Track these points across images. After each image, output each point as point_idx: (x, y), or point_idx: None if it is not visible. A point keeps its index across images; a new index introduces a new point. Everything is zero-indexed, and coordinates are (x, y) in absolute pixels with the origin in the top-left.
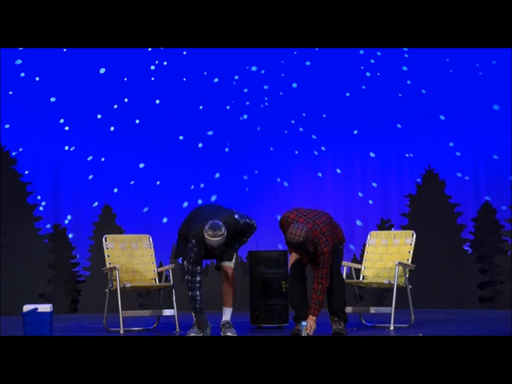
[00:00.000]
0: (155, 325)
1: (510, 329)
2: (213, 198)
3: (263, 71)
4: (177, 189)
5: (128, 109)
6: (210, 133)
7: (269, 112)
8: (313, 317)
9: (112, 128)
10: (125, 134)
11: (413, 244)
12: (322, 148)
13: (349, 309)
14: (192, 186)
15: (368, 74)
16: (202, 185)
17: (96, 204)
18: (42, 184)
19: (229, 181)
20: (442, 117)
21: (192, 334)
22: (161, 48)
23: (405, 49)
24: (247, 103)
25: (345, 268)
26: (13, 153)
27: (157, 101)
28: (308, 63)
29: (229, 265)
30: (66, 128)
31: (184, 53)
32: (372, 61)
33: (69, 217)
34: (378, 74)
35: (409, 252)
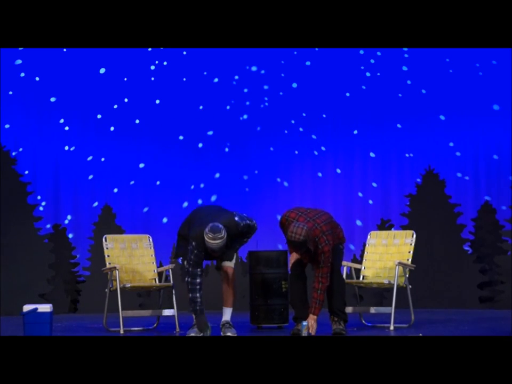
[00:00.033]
0: (155, 325)
1: (510, 329)
2: (213, 198)
3: (263, 71)
4: (177, 189)
5: (128, 109)
6: (210, 133)
7: (269, 112)
8: (314, 316)
9: (112, 128)
10: (125, 134)
11: (413, 244)
12: (322, 148)
13: (349, 309)
14: (192, 186)
15: (368, 74)
16: (202, 185)
17: (96, 204)
18: (42, 184)
19: (229, 181)
20: (442, 117)
21: (192, 334)
22: (161, 48)
23: (405, 49)
24: (247, 103)
25: (345, 268)
26: (13, 153)
27: (157, 101)
28: (308, 63)
29: (229, 265)
30: (66, 128)
31: (184, 53)
32: (372, 61)
33: (69, 217)
34: (378, 74)
35: (409, 252)
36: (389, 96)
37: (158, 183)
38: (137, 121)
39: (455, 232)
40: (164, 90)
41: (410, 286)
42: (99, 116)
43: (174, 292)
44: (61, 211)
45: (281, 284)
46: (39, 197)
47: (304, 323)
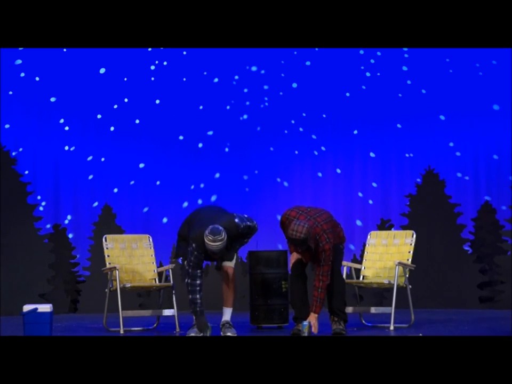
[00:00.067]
0: (155, 325)
1: (510, 329)
2: (213, 198)
3: (263, 71)
4: (177, 189)
5: (128, 109)
6: (210, 133)
7: (269, 112)
8: (315, 314)
9: (112, 128)
10: (125, 134)
11: (413, 244)
12: (322, 148)
13: (349, 309)
14: (192, 186)
15: (368, 74)
16: (202, 185)
17: (96, 204)
18: (42, 184)
19: (229, 181)
20: (442, 117)
21: (192, 334)
22: (161, 48)
23: (405, 49)
24: (247, 103)
25: (345, 268)
26: (13, 153)
27: (157, 101)
28: (308, 63)
29: (230, 265)
30: (66, 128)
31: (184, 53)
32: (372, 61)
33: (69, 217)
34: (378, 74)
35: (409, 252)
36: (389, 96)
37: (158, 183)
38: (137, 121)
39: (455, 232)
40: (164, 90)
41: (410, 286)
42: (99, 116)
43: (174, 292)
44: (61, 211)
45: (281, 283)
46: (39, 197)
47: (305, 323)
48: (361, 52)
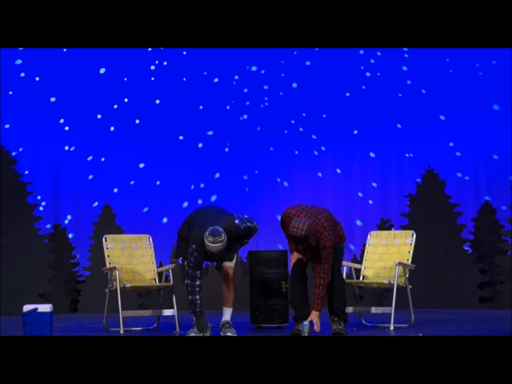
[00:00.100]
0: (155, 325)
1: (510, 329)
2: (213, 198)
3: (263, 71)
4: (177, 189)
5: (128, 109)
6: (210, 133)
7: (269, 112)
8: (316, 312)
9: (112, 128)
10: (125, 134)
11: (413, 244)
12: (322, 148)
13: (349, 309)
14: (192, 186)
15: (368, 74)
16: (202, 185)
17: (96, 204)
18: (42, 184)
19: (229, 181)
20: (442, 117)
21: (192, 334)
22: (161, 48)
23: (405, 49)
24: (247, 103)
25: (345, 268)
26: (13, 153)
27: (157, 101)
28: (308, 63)
29: (230, 265)
30: (66, 128)
31: (184, 53)
32: (372, 61)
33: (69, 217)
34: (378, 74)
35: (409, 252)
36: (389, 96)
37: (158, 183)
38: (137, 121)
39: (455, 232)
40: (164, 90)
41: (410, 286)
42: (99, 116)
43: (174, 292)
44: (61, 211)
45: (281, 283)
46: (39, 197)
47: (305, 323)
48: (361, 52)
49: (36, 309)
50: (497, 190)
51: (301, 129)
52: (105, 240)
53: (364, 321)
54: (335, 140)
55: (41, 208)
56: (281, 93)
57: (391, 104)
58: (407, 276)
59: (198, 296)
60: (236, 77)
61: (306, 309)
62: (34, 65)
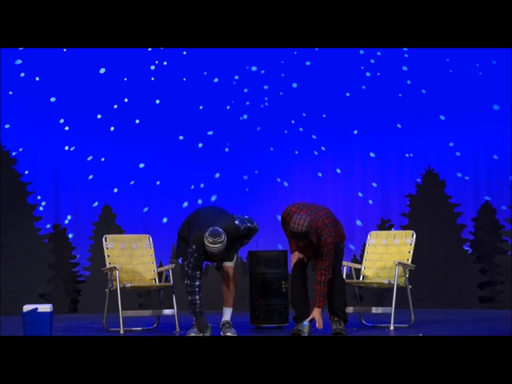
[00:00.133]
0: (155, 325)
1: (510, 329)
2: (213, 198)
3: (263, 71)
4: (177, 189)
5: (128, 109)
6: (210, 133)
7: (269, 112)
8: (318, 309)
9: (112, 128)
10: (125, 134)
11: (413, 244)
12: (322, 148)
13: (349, 309)
14: (192, 186)
15: (368, 74)
16: (202, 185)
17: (96, 204)
18: (42, 184)
19: (229, 181)
20: (442, 117)
21: (192, 334)
22: (161, 48)
23: (405, 49)
24: (247, 103)
25: (345, 268)
26: (13, 153)
27: (157, 101)
28: (308, 63)
29: (230, 265)
30: (66, 128)
31: (184, 53)
32: (372, 61)
33: (69, 217)
34: (378, 74)
35: (409, 252)
36: (389, 96)
37: (158, 183)
38: (137, 121)
39: (455, 232)
40: (164, 90)
41: (410, 286)
42: (99, 116)
43: (174, 292)
44: (61, 211)
45: (281, 283)
46: (39, 197)
47: (305, 323)
48: (361, 52)
49: (36, 309)
50: (497, 190)
51: (301, 129)
52: (105, 240)
53: (363, 321)
54: (335, 140)
55: (41, 208)
56: (281, 93)
57: (391, 104)
58: (407, 275)
59: (197, 296)
60: (236, 77)
61: (307, 309)
62: (34, 65)
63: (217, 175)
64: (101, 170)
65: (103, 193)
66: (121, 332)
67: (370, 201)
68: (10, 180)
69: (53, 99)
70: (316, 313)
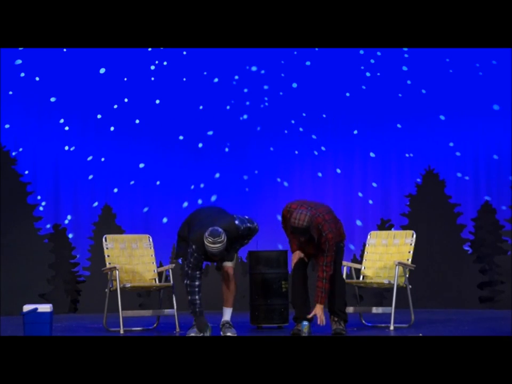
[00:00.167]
0: (155, 325)
1: (510, 329)
2: (213, 198)
3: (263, 71)
4: (177, 189)
5: (128, 109)
6: (210, 133)
7: (269, 112)
8: (320, 305)
9: (112, 128)
10: (125, 134)
11: (413, 244)
12: (322, 148)
13: (349, 309)
14: (192, 186)
15: (368, 74)
16: (202, 185)
17: (96, 204)
18: (42, 184)
19: (229, 181)
20: (442, 117)
21: (192, 334)
22: (161, 48)
23: (405, 49)
24: (247, 103)
25: (345, 268)
26: (13, 153)
27: (157, 101)
28: (308, 63)
29: (230, 265)
30: (66, 128)
31: (184, 53)
32: (372, 61)
33: (69, 217)
34: (378, 74)
35: (409, 252)
36: (389, 96)
37: (158, 183)
38: (137, 121)
39: (455, 232)
40: (164, 90)
41: (410, 286)
42: (99, 116)
43: (174, 292)
44: (61, 211)
45: (281, 283)
46: (39, 197)
47: (305, 323)
48: (361, 52)
49: (36, 309)
50: (497, 190)
51: (301, 129)
52: (105, 240)
53: (363, 321)
54: (335, 140)
55: (41, 208)
56: (281, 93)
57: (391, 104)
58: (407, 276)
59: (197, 296)
60: (236, 77)
61: (307, 309)
62: (34, 65)
63: (217, 175)
64: (101, 170)
65: (103, 193)
66: (121, 331)
67: (370, 201)
68: (10, 180)
69: (53, 99)
70: (318, 310)
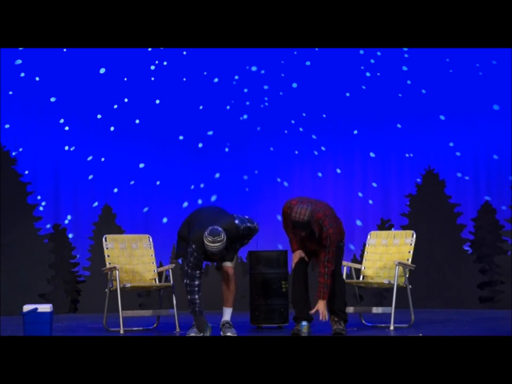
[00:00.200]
0: (155, 325)
1: (510, 329)
2: (213, 198)
3: (263, 71)
4: (177, 189)
5: (128, 109)
6: (210, 133)
7: (269, 112)
8: (323, 300)
9: (112, 128)
10: (125, 134)
11: (413, 244)
12: (322, 148)
13: (349, 309)
14: (192, 186)
15: (368, 74)
16: (202, 185)
17: (96, 204)
18: (42, 184)
19: (229, 181)
20: (442, 117)
21: (192, 334)
22: (161, 48)
23: (405, 49)
24: (247, 103)
25: (345, 268)
26: (13, 153)
27: (157, 101)
28: (308, 63)
29: (230, 265)
30: (66, 128)
31: (184, 53)
32: (372, 61)
33: (69, 217)
34: (378, 74)
35: (409, 252)
36: (389, 96)
37: (158, 183)
38: (137, 121)
39: (455, 232)
40: (164, 90)
41: (410, 286)
42: (99, 116)
43: (174, 292)
44: (61, 211)
45: (281, 283)
46: (39, 197)
47: (304, 323)
48: (361, 52)
49: (36, 309)
50: (497, 190)
51: (301, 129)
52: (105, 240)
53: (364, 321)
54: (335, 140)
55: (41, 208)
56: (281, 93)
57: (391, 104)
58: (407, 275)
59: (197, 296)
60: (236, 77)
61: (307, 309)
62: (34, 65)
63: (217, 175)
64: (101, 170)
65: (103, 193)
66: (121, 331)
67: (370, 201)
68: (10, 180)
69: (53, 99)
70: (321, 305)
